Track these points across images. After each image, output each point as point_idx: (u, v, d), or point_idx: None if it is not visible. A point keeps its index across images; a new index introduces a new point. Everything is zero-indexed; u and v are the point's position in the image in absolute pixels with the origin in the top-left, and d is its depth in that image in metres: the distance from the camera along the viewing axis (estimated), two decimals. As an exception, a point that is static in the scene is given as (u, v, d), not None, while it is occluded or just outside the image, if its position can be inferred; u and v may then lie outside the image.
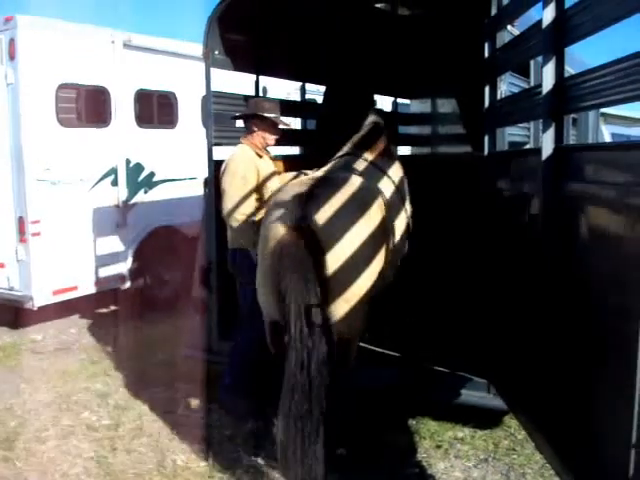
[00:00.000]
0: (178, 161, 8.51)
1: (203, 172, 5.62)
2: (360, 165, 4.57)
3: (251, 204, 4.71)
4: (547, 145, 3.13)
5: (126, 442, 4.63)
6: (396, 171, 5.01)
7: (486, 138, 4.31)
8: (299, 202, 3.74)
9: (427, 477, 4.10)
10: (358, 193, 3.98)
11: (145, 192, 8.25)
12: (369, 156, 4.80)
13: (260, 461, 4.30)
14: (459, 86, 8.17)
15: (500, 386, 4.19)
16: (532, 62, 4.65)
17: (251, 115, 4.96)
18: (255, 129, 4.97)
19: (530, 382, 3.50)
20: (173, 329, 7.40)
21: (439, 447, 4.49)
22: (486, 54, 4.23)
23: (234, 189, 4.69)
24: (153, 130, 8.39)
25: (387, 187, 4.53)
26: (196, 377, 5.77)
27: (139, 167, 8.14)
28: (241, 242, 4.75)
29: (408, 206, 4.93)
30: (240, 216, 4.64)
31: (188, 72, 8.25)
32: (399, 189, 4.80)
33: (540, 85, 3.21)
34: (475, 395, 4.60)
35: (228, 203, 4.68)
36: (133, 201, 8.08)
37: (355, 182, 4.08)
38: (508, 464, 4.26)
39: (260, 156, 4.95)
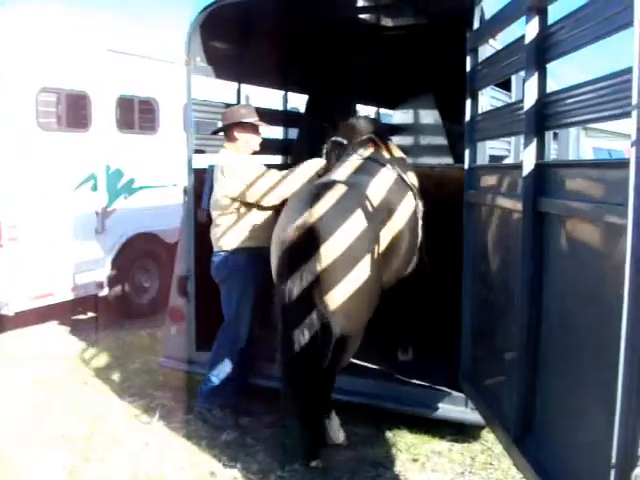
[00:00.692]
0: (159, 167, 8.45)
1: (184, 179, 5.56)
2: (377, 166, 4.77)
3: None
4: (528, 161, 3.12)
5: (100, 452, 4.55)
6: (407, 167, 5.19)
7: (467, 151, 4.31)
8: (306, 204, 4.04)
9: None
10: (371, 196, 4.33)
11: (125, 198, 8.17)
12: (378, 157, 4.97)
13: (236, 472, 4.25)
14: (442, 98, 8.27)
15: (476, 399, 4.17)
16: (514, 76, 4.69)
17: (231, 125, 4.93)
18: (237, 138, 4.97)
19: (507, 396, 3.50)
20: (151, 337, 7.38)
21: (415, 460, 4.46)
22: (468, 67, 4.23)
23: (254, 173, 4.79)
24: (134, 136, 8.31)
25: (401, 186, 4.74)
26: (172, 387, 5.73)
27: (119, 173, 8.05)
28: (237, 243, 4.84)
29: (420, 205, 4.97)
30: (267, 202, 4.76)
31: (170, 77, 8.20)
32: (410, 188, 4.87)
33: (522, 100, 3.21)
34: (453, 409, 4.58)
35: (250, 195, 4.74)
36: (112, 207, 7.99)
37: (371, 185, 4.44)
38: (484, 478, 4.25)
39: (249, 158, 5.04)
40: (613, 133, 16.91)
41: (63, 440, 4.74)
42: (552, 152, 7.91)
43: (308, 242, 3.90)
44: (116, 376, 6.11)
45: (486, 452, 4.57)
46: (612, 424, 2.25)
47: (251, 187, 4.76)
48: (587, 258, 2.68)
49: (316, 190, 4.19)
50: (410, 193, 4.78)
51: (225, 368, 4.95)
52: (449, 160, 8.14)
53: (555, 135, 8.15)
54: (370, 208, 4.27)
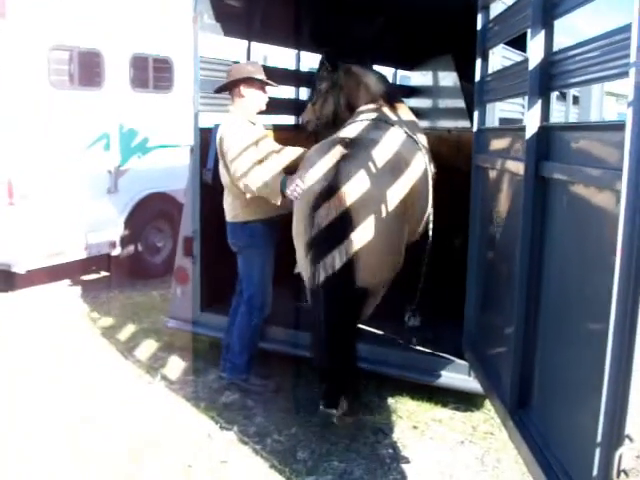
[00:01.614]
0: (174, 127, 8.34)
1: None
2: (386, 126, 4.66)
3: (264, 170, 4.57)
4: (531, 123, 2.98)
5: (99, 411, 4.55)
6: (417, 129, 5.08)
7: (476, 113, 4.15)
8: (332, 165, 4.04)
9: (400, 458, 4.02)
10: (394, 154, 4.33)
11: (138, 157, 8.11)
12: (393, 116, 4.88)
13: (233, 435, 4.24)
14: (460, 59, 8.03)
15: (477, 368, 4.09)
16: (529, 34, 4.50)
17: (237, 81, 4.77)
18: (244, 95, 4.80)
19: (505, 367, 3.42)
20: (162, 298, 7.36)
21: (416, 428, 4.41)
22: (479, 25, 4.05)
23: (245, 161, 4.53)
24: (148, 94, 8.20)
25: (412, 146, 4.64)
26: (177, 348, 5.73)
27: (133, 132, 7.98)
28: (249, 214, 4.74)
29: (431, 167, 4.87)
30: (259, 182, 4.47)
31: (186, 35, 8.06)
32: (419, 149, 4.75)
33: (527, 59, 3.06)
34: (456, 377, 4.51)
35: (244, 175, 4.51)
36: (126, 166, 7.93)
37: (390, 143, 4.41)
38: (484, 448, 4.18)
39: (253, 124, 4.84)
40: None
41: (64, 397, 4.75)
42: (573, 117, 7.68)
43: (336, 204, 3.93)
44: (123, 336, 6.12)
45: (488, 422, 4.50)
46: (599, 400, 2.16)
47: (244, 177, 4.53)
48: (590, 225, 2.57)
49: (338, 148, 4.16)
50: (420, 153, 4.62)
51: (255, 338, 4.90)
52: (467, 123, 7.93)
53: (575, 99, 7.90)
54: (389, 166, 4.24)
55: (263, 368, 5.10)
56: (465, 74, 8.02)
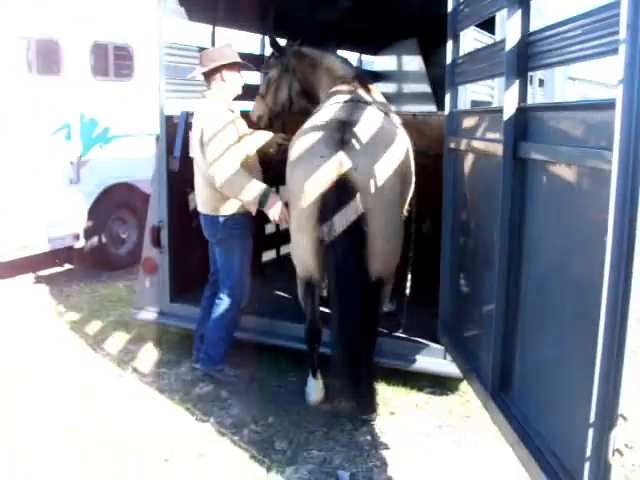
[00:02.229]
0: (135, 116, 8.19)
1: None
2: (364, 106, 4.44)
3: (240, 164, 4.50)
4: (509, 104, 2.96)
5: (72, 405, 4.43)
6: (390, 111, 4.92)
7: (448, 95, 4.12)
8: (335, 148, 3.86)
9: (379, 445, 4.00)
10: (384, 135, 4.17)
11: (100, 147, 7.92)
12: (368, 97, 4.70)
13: (209, 426, 4.17)
14: (425, 43, 8.03)
15: (454, 352, 4.08)
16: (498, 17, 4.48)
17: (219, 67, 4.60)
18: (225, 80, 4.66)
19: (485, 350, 3.41)
20: (128, 289, 7.24)
21: (393, 414, 4.39)
22: (449, 7, 4.01)
23: (225, 154, 4.43)
24: (109, 83, 8.01)
25: (393, 126, 4.47)
26: (147, 339, 5.63)
27: (94, 121, 7.79)
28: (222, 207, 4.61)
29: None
30: (238, 189, 4.42)
31: (146, 22, 7.90)
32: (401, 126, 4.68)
33: (504, 40, 3.03)
34: (431, 361, 4.50)
35: (223, 168, 4.40)
36: (88, 156, 7.74)
37: (377, 124, 4.21)
38: (461, 431, 4.18)
39: (232, 111, 4.73)
40: (598, 83, 16.61)
41: (34, 393, 4.62)
42: (539, 99, 7.72)
43: (345, 191, 3.78)
44: (91, 329, 5.99)
45: (464, 405, 4.50)
46: (591, 381, 2.15)
47: (223, 179, 4.43)
48: (573, 205, 2.55)
49: (331, 133, 3.98)
50: (402, 132, 4.52)
51: (231, 329, 4.81)
52: (432, 108, 7.93)
53: (541, 82, 7.94)
54: (384, 147, 4.09)
55: (235, 358, 5.04)
56: (430, 58, 8.05)
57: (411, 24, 7.70)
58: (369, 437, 4.07)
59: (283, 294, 5.91)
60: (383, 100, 5.06)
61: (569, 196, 2.57)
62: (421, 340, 4.60)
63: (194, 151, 4.66)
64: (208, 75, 4.68)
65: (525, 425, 2.85)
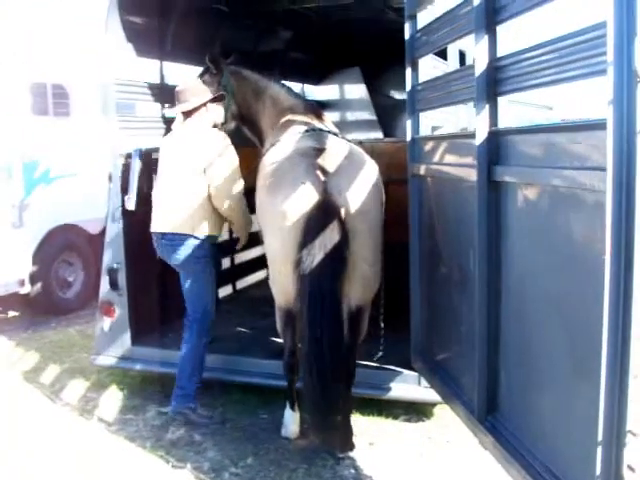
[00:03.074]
0: (75, 154, 7.99)
1: (101, 165, 5.24)
2: (328, 135, 4.41)
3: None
4: (481, 128, 2.99)
5: (36, 463, 4.19)
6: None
7: (409, 122, 4.13)
8: (316, 174, 3.82)
9: (364, 478, 3.93)
10: (357, 160, 4.16)
11: (42, 188, 7.67)
12: (324, 126, 4.69)
13: (187, 472, 4.01)
14: (369, 71, 8.11)
15: (431, 378, 4.06)
16: (450, 45, 4.56)
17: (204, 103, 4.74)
18: (207, 111, 4.79)
19: (468, 375, 3.40)
20: (80, 334, 7.03)
21: (372, 444, 4.32)
22: (407, 35, 4.04)
23: (235, 184, 4.63)
24: (48, 120, 7.78)
25: (362, 153, 4.41)
26: (108, 386, 5.42)
27: (35, 161, 7.55)
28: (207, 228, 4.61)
29: None
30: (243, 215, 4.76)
31: (83, 60, 7.78)
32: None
33: (471, 66, 3.07)
34: (406, 388, 4.47)
35: (235, 191, 4.62)
36: (30, 199, 7.49)
37: (347, 150, 4.19)
38: (444, 458, 4.14)
39: None
40: (530, 104, 17.04)
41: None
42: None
43: (331, 219, 3.68)
44: (46, 378, 5.72)
45: (442, 430, 4.47)
46: (594, 397, 2.15)
47: (231, 200, 4.60)
48: (551, 225, 2.59)
49: (308, 159, 3.95)
50: (369, 158, 4.39)
51: (204, 359, 4.71)
52: (378, 134, 8.01)
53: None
54: (363, 173, 4.08)
55: (204, 398, 4.91)
56: (374, 86, 8.14)
57: (353, 53, 7.79)
58: (352, 470, 4.00)
59: (244, 330, 5.81)
60: (335, 129, 5.05)
61: (550, 217, 2.60)
62: (394, 368, 4.56)
63: (174, 171, 4.64)
64: (191, 112, 4.74)
65: (519, 447, 2.84)
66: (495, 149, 2.98)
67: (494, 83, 2.96)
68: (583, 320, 2.33)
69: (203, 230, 4.57)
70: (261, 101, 5.09)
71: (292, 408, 4.36)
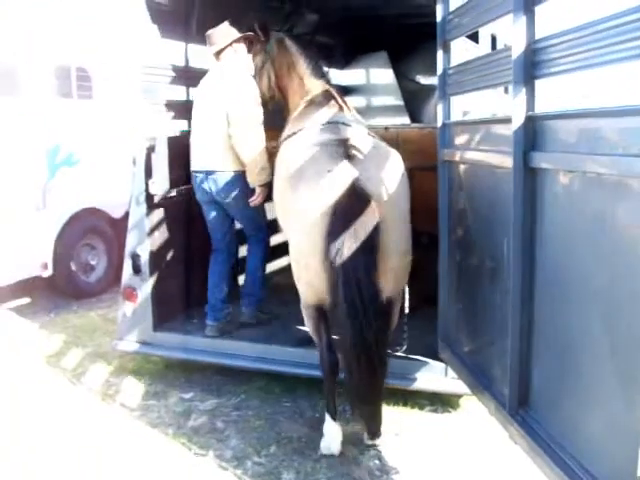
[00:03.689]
0: (99, 137, 7.95)
1: (125, 149, 5.21)
2: (353, 126, 4.33)
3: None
4: (518, 113, 2.88)
5: (59, 448, 4.17)
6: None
7: (440, 106, 4.02)
8: (341, 161, 3.71)
9: (390, 469, 3.85)
10: (381, 149, 4.07)
11: (66, 171, 7.64)
12: (347, 116, 4.59)
13: (210, 460, 3.96)
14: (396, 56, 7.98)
15: (459, 370, 3.97)
16: (481, 29, 4.45)
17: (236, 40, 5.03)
18: (235, 52, 5.08)
19: (498, 367, 3.31)
20: (102, 318, 7.00)
21: (397, 435, 4.24)
22: (438, 17, 3.93)
23: (254, 132, 4.86)
24: (71, 103, 7.74)
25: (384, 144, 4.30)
26: (130, 371, 5.40)
27: (58, 144, 7.52)
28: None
29: None
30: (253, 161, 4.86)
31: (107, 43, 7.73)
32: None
33: (509, 48, 2.95)
34: (433, 379, 4.38)
35: (256, 135, 4.86)
36: (53, 181, 7.46)
37: (370, 141, 4.10)
38: (471, 451, 4.05)
39: None
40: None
41: (20, 435, 4.35)
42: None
43: (360, 207, 3.53)
44: (68, 363, 5.70)
45: (467, 421, 4.39)
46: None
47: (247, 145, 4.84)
48: (589, 214, 2.48)
49: (335, 149, 3.83)
50: (391, 148, 4.28)
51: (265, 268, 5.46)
52: (405, 120, 7.88)
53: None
54: (391, 164, 3.99)
55: (227, 385, 4.88)
56: (401, 70, 8.00)
57: (379, 37, 7.66)
58: (377, 461, 3.93)
59: (268, 317, 5.74)
60: (358, 117, 4.94)
61: (591, 206, 2.49)
62: (420, 358, 4.48)
63: (204, 111, 5.02)
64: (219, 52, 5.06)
65: (550, 442, 2.76)
66: (532, 134, 2.87)
67: (532, 66, 2.85)
68: (627, 314, 2.23)
69: (232, 166, 4.94)
70: (291, 77, 5.00)
71: (334, 418, 4.02)
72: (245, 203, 4.98)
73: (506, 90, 5.18)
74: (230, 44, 5.00)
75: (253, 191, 4.92)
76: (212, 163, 4.94)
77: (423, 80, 8.06)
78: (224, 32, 5.02)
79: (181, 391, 4.93)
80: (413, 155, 4.48)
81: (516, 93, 2.88)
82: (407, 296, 4.54)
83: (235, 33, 5.01)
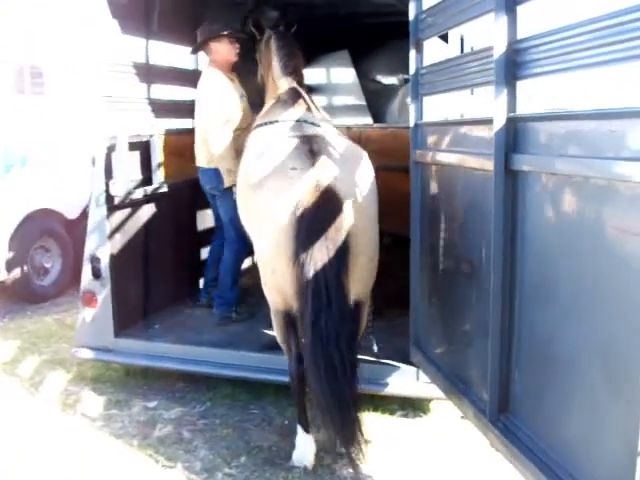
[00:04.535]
0: (53, 137, 7.70)
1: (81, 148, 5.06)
2: (321, 124, 4.31)
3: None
4: (499, 114, 2.82)
5: (14, 463, 3.98)
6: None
7: (412, 107, 3.95)
8: (306, 159, 3.60)
9: (364, 478, 3.77)
10: (349, 148, 4.02)
11: (18, 171, 7.36)
12: (315, 113, 4.58)
13: (179, 473, 3.80)
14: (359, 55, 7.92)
15: (432, 374, 3.91)
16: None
17: (207, 39, 5.13)
18: (211, 52, 5.18)
19: (476, 373, 3.26)
20: (59, 323, 6.77)
21: (368, 442, 4.14)
22: (411, 15, 3.85)
23: (220, 123, 4.96)
24: (23, 101, 7.47)
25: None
26: (89, 379, 5.20)
27: (10, 143, 7.24)
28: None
29: None
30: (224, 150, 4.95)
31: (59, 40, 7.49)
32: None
33: (490, 47, 2.89)
34: (404, 384, 4.31)
35: (220, 136, 4.94)
36: (5, 182, 7.18)
37: (337, 138, 4.08)
38: (444, 456, 3.99)
39: (232, 79, 5.22)
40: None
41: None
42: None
43: (329, 206, 3.41)
44: (24, 371, 5.47)
45: (438, 426, 4.33)
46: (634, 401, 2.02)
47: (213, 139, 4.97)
48: (573, 217, 2.45)
49: (303, 144, 3.73)
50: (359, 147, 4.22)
51: (239, 272, 5.53)
52: (367, 120, 7.81)
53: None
54: (357, 161, 3.92)
55: (191, 393, 4.75)
56: (363, 70, 7.94)
57: (341, 37, 7.58)
58: (350, 470, 3.82)
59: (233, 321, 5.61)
60: (326, 116, 4.87)
61: (575, 209, 2.45)
62: (391, 362, 4.40)
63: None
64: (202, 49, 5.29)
65: (537, 452, 2.70)
66: (513, 136, 2.82)
67: (514, 66, 2.80)
68: (609, 316, 2.20)
69: (212, 163, 5.10)
70: (267, 75, 5.01)
71: (306, 430, 3.87)
72: (228, 203, 5.03)
73: (472, 92, 5.15)
74: (205, 42, 5.15)
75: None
76: (199, 159, 5.27)
77: (385, 80, 8.01)
78: (201, 31, 5.19)
79: (144, 399, 4.77)
80: (376, 155, 4.39)
81: (497, 94, 2.83)
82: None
83: (213, 32, 5.12)
